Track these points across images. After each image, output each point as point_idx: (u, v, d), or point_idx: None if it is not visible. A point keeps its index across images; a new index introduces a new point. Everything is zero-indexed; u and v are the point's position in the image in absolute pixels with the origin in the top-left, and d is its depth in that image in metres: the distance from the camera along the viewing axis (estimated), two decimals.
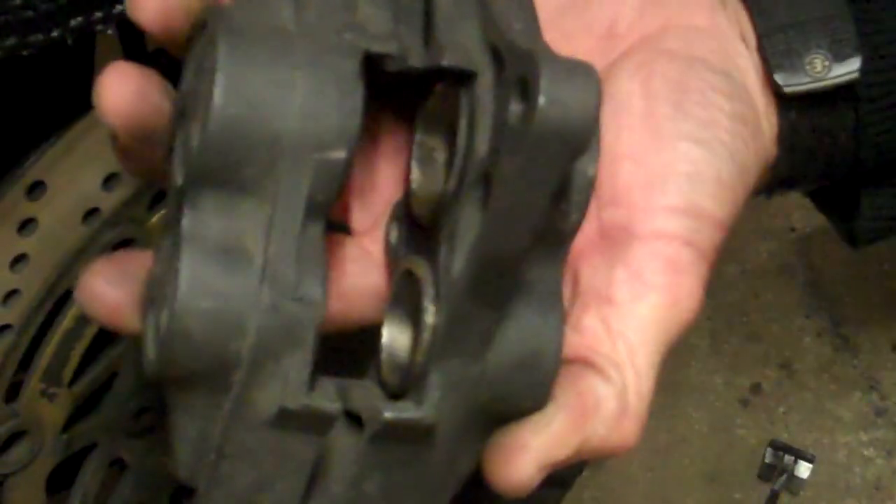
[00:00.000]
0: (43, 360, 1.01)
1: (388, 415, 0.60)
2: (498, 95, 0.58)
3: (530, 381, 0.63)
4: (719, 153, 0.67)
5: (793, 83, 0.70)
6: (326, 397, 0.59)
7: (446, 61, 0.60)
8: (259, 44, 0.58)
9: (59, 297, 0.98)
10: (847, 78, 0.70)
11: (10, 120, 0.93)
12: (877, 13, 0.70)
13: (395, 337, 0.64)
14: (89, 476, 1.07)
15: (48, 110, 0.92)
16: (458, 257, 0.60)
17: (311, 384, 0.59)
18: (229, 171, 0.58)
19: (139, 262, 0.61)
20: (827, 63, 0.70)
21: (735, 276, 1.94)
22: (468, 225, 0.60)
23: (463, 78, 0.61)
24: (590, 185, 0.63)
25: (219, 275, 0.58)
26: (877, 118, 0.71)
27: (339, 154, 0.58)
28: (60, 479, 1.08)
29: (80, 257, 0.97)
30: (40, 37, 0.76)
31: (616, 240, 0.66)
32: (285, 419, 0.59)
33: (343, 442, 0.62)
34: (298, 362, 0.59)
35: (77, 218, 0.95)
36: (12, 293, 0.96)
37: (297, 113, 0.58)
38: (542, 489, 1.62)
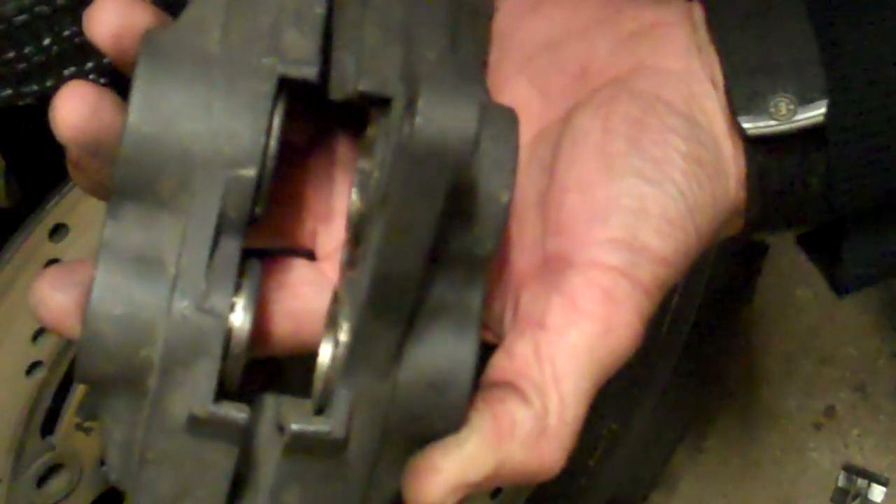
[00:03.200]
0: (76, 395, 1.04)
1: (294, 427, 0.62)
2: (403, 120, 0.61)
3: (442, 402, 0.65)
4: (668, 191, 0.68)
5: (756, 126, 0.70)
6: (236, 407, 0.62)
7: (362, 86, 0.63)
8: (178, 65, 0.61)
9: None
10: (812, 121, 0.69)
11: (30, 164, 0.96)
12: (849, 57, 0.70)
13: (324, 355, 0.66)
14: None
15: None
16: (364, 275, 0.62)
17: (223, 393, 0.62)
18: (146, 184, 0.62)
19: (86, 270, 0.64)
20: (792, 106, 0.70)
21: (809, 299, 1.92)
22: (371, 246, 0.62)
23: (382, 103, 0.63)
24: (503, 212, 0.65)
25: (132, 283, 0.61)
26: (847, 163, 0.71)
27: (249, 172, 0.62)
28: None
29: None
30: (35, 87, 0.80)
31: (555, 268, 0.68)
32: (195, 426, 0.61)
33: (269, 454, 0.65)
34: (206, 371, 0.61)
35: None
36: (41, 331, 0.99)
37: (210, 132, 0.61)
38: None
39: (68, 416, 1.05)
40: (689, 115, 0.70)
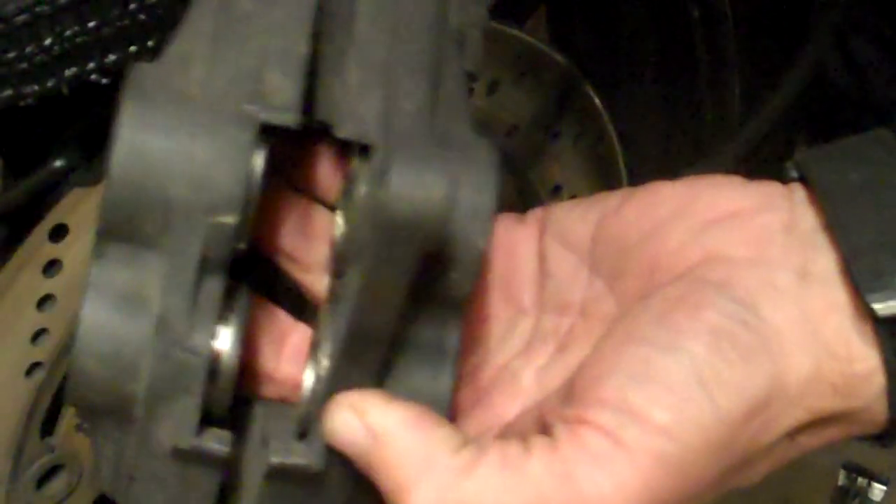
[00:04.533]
0: None
1: (274, 460, 0.66)
2: (379, 174, 0.62)
3: None
4: (680, 360, 0.66)
5: (888, 305, 0.66)
6: (217, 438, 0.64)
7: (341, 133, 0.65)
8: (161, 111, 0.62)
9: None
10: None
11: (30, 165, 0.96)
12: None
13: (307, 379, 0.69)
14: None
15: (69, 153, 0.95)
16: (339, 324, 0.65)
17: (209, 419, 0.65)
18: (130, 227, 0.63)
19: None
20: None
21: None
22: (348, 294, 0.65)
23: (361, 148, 0.65)
24: (479, 257, 0.67)
25: (118, 321, 0.63)
26: None
27: (230, 219, 0.63)
28: None
29: None
30: (35, 88, 0.79)
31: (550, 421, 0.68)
32: (180, 456, 0.64)
33: (254, 464, 0.68)
34: (188, 406, 0.63)
35: None
36: (41, 332, 0.99)
37: (191, 179, 0.62)
38: None
39: (68, 417, 1.04)
40: (742, 299, 0.68)
